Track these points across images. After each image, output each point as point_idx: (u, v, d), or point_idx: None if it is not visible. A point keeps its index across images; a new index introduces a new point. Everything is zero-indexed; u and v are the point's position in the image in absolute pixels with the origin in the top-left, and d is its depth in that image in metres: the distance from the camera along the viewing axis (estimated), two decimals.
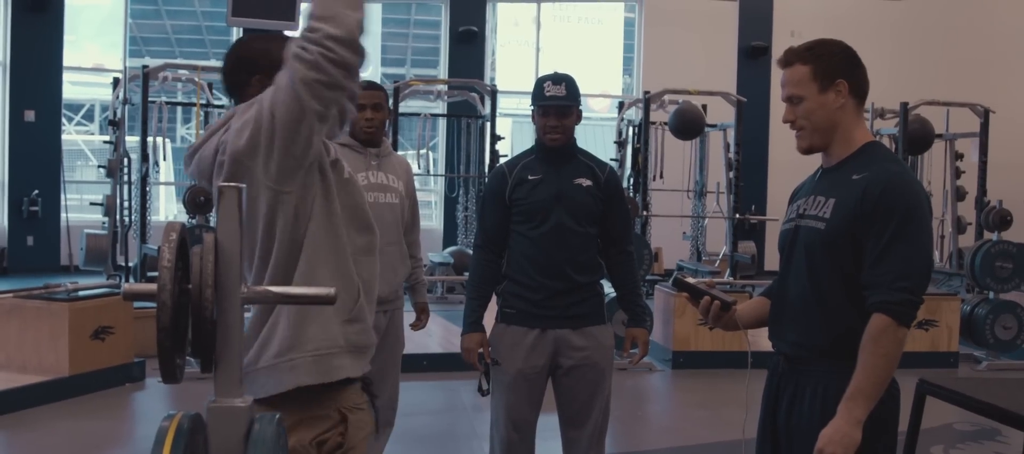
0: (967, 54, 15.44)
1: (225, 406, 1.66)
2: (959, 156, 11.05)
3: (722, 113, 11.55)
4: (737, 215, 10.53)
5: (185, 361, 1.69)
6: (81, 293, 6.64)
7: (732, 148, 10.90)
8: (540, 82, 3.61)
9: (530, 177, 3.62)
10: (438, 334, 8.15)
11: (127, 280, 10.00)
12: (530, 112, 3.67)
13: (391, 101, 11.44)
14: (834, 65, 2.48)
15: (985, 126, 10.34)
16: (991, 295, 8.36)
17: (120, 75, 10.37)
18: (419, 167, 11.83)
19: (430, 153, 13.89)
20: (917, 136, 10.46)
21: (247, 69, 2.37)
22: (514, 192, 3.63)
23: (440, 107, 12.99)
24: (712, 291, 2.71)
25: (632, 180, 10.93)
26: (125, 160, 10.22)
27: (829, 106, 2.48)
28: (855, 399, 2.34)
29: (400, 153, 4.33)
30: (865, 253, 2.39)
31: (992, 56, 15.51)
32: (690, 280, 2.78)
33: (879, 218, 2.37)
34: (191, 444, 1.59)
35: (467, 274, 4.00)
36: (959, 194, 10.95)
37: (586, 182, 3.63)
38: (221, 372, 1.67)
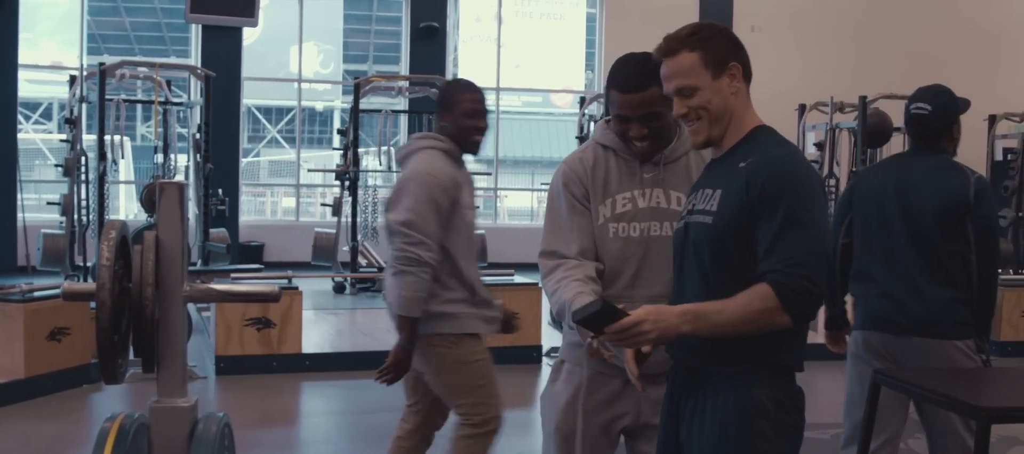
0: (925, 48, 15.61)
1: (168, 406, 1.63)
2: None
3: None
4: None
5: (127, 361, 1.67)
6: (36, 294, 6.54)
7: None
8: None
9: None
10: None
11: (86, 280, 9.89)
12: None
13: (352, 97, 11.41)
14: (724, 49, 2.31)
15: None
16: None
17: (77, 73, 10.24)
18: (380, 164, 11.78)
19: (392, 150, 13.81)
20: (876, 129, 10.56)
21: None
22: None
23: (402, 103, 12.95)
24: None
25: None
26: (83, 159, 10.09)
27: (725, 92, 2.31)
28: (689, 316, 2.19)
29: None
30: (757, 245, 2.21)
31: (949, 50, 15.68)
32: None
33: (767, 205, 2.19)
34: (134, 445, 1.57)
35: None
36: None
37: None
38: (164, 371, 1.65)
